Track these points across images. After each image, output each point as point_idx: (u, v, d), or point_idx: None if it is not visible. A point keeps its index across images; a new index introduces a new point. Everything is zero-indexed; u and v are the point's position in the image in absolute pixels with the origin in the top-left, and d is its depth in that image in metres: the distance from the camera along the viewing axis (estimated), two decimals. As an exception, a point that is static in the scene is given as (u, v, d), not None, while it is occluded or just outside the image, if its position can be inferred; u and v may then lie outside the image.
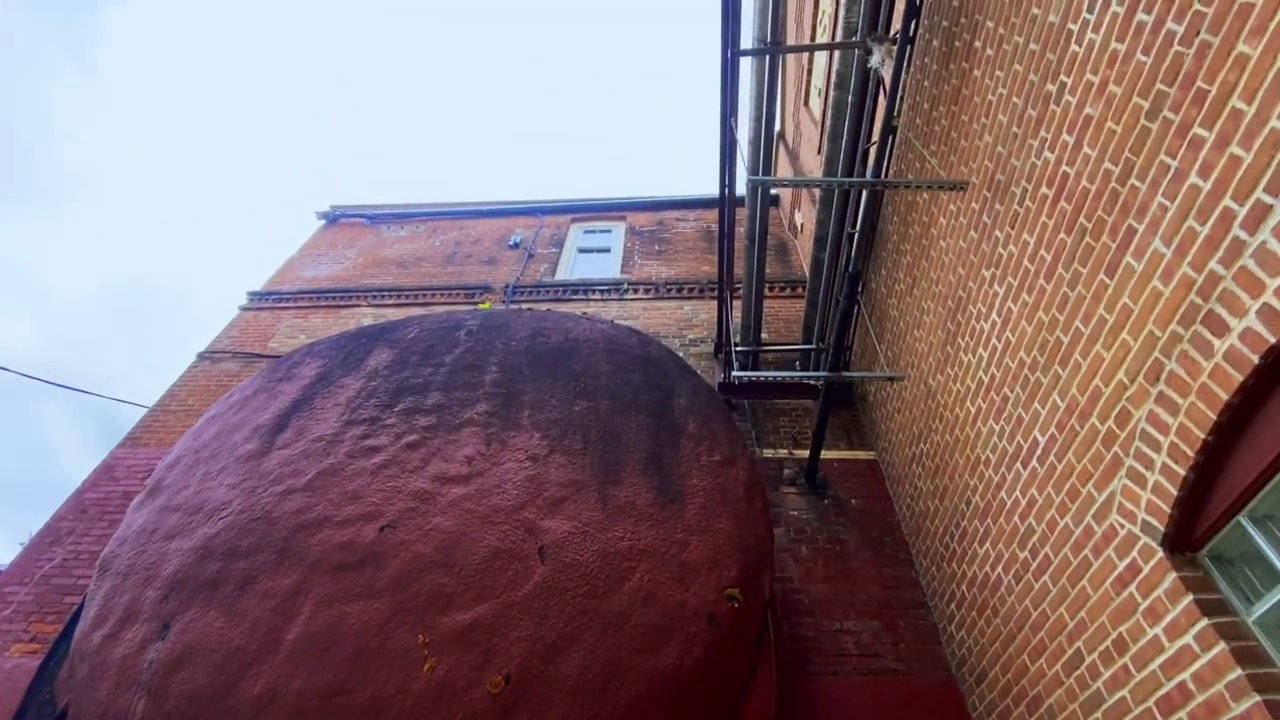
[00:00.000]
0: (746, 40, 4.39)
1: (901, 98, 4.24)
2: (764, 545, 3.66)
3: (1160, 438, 2.12)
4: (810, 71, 7.83)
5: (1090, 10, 2.49)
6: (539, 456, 3.70)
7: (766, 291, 6.71)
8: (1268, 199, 1.74)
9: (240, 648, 2.87)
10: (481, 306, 6.65)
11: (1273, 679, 1.81)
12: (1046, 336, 2.77)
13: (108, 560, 3.53)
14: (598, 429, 3.93)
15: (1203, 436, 1.95)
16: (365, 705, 2.63)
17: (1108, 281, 2.39)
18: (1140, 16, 2.22)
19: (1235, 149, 1.85)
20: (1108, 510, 2.39)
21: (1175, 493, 2.06)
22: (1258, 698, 1.78)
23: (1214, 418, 1.91)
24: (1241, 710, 1.82)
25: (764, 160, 4.67)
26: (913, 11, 3.91)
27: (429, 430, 3.84)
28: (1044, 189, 2.78)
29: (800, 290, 7.08)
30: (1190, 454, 2.00)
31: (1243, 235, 1.82)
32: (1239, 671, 1.84)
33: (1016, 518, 3.03)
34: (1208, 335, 1.94)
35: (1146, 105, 2.20)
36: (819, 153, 6.78)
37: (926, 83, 4.03)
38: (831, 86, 4.63)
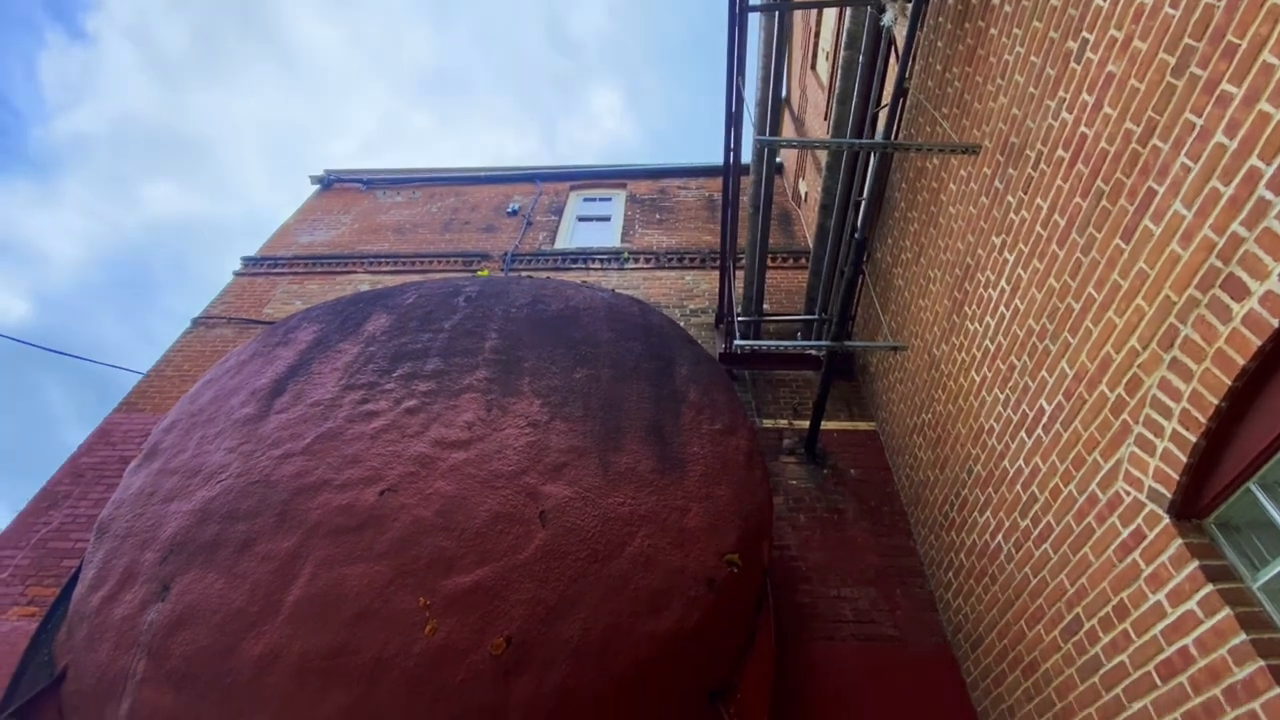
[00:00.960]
0: (754, -3, 4.25)
1: (914, 58, 4.12)
2: (764, 513, 3.66)
3: (1172, 404, 2.09)
4: (818, 34, 7.63)
5: (1117, -38, 2.39)
6: (540, 423, 3.68)
7: (769, 262, 6.63)
8: (1299, 156, 1.69)
9: (241, 609, 2.86)
10: (480, 274, 6.56)
11: (1277, 644, 1.81)
12: (1057, 303, 2.72)
13: (105, 523, 3.51)
14: (598, 396, 3.90)
15: (1216, 402, 1.92)
16: (367, 666, 2.64)
17: (1123, 246, 2.34)
18: (1171, -33, 2.13)
19: (1265, 105, 1.79)
20: (1114, 478, 2.38)
21: (1185, 459, 2.04)
22: (1261, 663, 1.78)
23: (1229, 383, 1.87)
24: (1244, 675, 1.82)
25: (770, 124, 4.55)
26: (928, -33, 3.78)
27: (428, 395, 3.80)
28: (1060, 151, 2.71)
29: (803, 261, 7.00)
30: (1202, 420, 1.97)
31: (1269, 195, 1.77)
32: (1243, 637, 1.84)
33: (1019, 486, 3.02)
34: (1226, 299, 1.89)
35: (1173, 61, 2.12)
36: (826, 118, 6.64)
37: (940, 42, 3.91)
38: (841, 47, 4.50)
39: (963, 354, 3.60)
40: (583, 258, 7.21)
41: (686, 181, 8.81)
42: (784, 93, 9.18)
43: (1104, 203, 2.44)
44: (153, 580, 3.07)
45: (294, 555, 3.01)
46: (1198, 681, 1.98)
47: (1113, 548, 2.38)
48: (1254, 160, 1.82)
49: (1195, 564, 2.02)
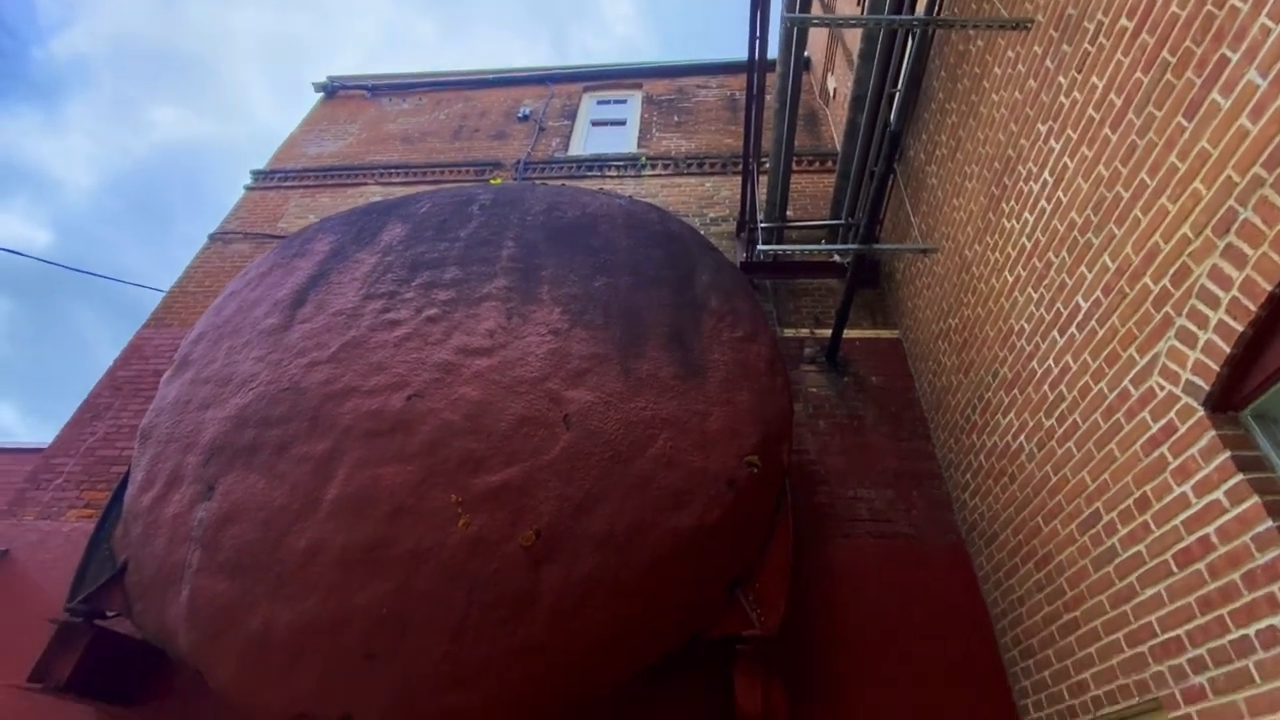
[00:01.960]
0: None
1: (961, -76, 3.71)
2: (784, 418, 3.69)
3: (1220, 293, 2.00)
4: (851, -93, 6.90)
5: None
6: (560, 330, 3.67)
7: (794, 166, 6.34)
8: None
9: (283, 506, 3.01)
10: (493, 183, 6.38)
11: (1303, 529, 1.82)
12: (1104, 193, 2.57)
13: (147, 430, 3.65)
14: (618, 304, 3.86)
15: (1269, 289, 1.83)
16: (405, 556, 2.79)
17: (1185, 124, 2.16)
18: None
19: (1373, -52, 1.58)
20: (1148, 373, 2.32)
21: (1228, 350, 1.97)
22: (1285, 546, 1.79)
23: (1287, 268, 1.77)
24: (1266, 560, 1.84)
25: (799, 5, 4.20)
26: None
27: (449, 304, 3.79)
28: (1124, 20, 2.46)
29: (830, 164, 6.68)
30: (1252, 309, 1.89)
31: (1362, 55, 1.59)
32: (1269, 523, 1.84)
33: (1046, 386, 2.98)
34: (1296, 177, 1.76)
35: (1267, -98, 1.87)
36: (859, 2, 6.12)
37: (992, -96, 3.51)
38: (879, -86, 4.05)
39: (996, 254, 3.47)
40: (598, 165, 6.95)
41: (706, 80, 8.31)
42: (812, -23, 8.42)
43: (1168, 76, 2.24)
44: (198, 481, 3.22)
45: (329, 457, 3.11)
46: (1216, 567, 2.01)
47: (1140, 442, 2.36)
48: (1349, 15, 1.63)
49: (1226, 454, 1.99)
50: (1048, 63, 2.97)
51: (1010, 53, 3.31)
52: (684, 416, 3.35)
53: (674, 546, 2.93)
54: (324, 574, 2.78)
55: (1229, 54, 1.99)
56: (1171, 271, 2.21)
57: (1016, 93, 3.25)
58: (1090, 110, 2.66)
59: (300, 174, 7.27)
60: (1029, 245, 3.14)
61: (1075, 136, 2.76)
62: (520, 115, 7.89)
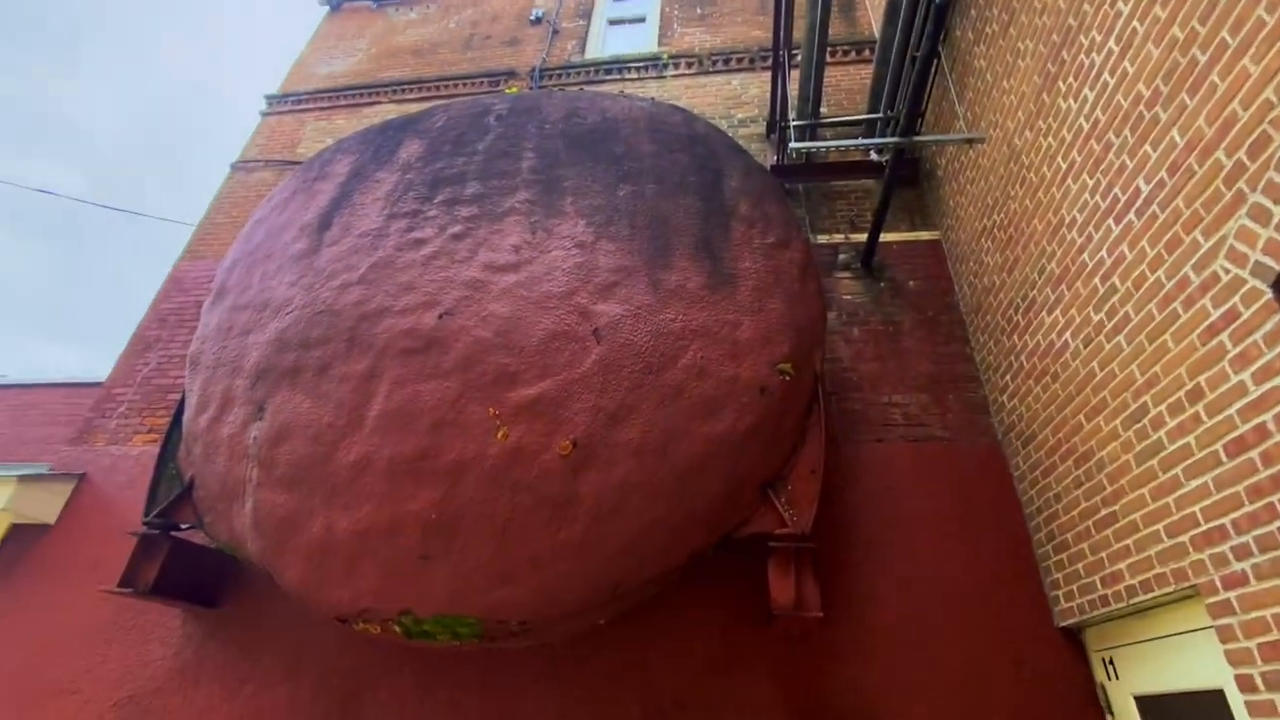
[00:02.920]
0: None
1: None
2: (816, 325, 3.62)
3: (1305, 164, 1.82)
4: None
5: None
6: (586, 243, 3.60)
7: (828, 56, 5.89)
8: None
9: (330, 423, 3.13)
10: (508, 92, 6.12)
11: (1371, 412, 1.73)
12: (1178, 58, 2.32)
13: (195, 356, 3.79)
14: (644, 214, 3.75)
15: (1364, 155, 1.65)
16: (450, 466, 2.90)
17: (1282, -32, 1.90)
18: None
19: None
20: (1212, 257, 2.17)
21: (1307, 226, 1.82)
22: (1349, 430, 1.71)
23: (1388, 128, 1.59)
24: (1325, 443, 1.77)
25: None
26: None
27: (472, 221, 3.74)
28: None
29: (867, 53, 6.20)
30: (1340, 178, 1.72)
31: None
32: (1334, 407, 1.75)
33: (1097, 279, 2.83)
34: None
35: None
36: None
37: None
38: None
39: (1049, 139, 3.22)
40: (617, 67, 6.57)
41: (730, -34, 7.63)
42: None
43: (1266, -89, 1.95)
44: (248, 403, 3.36)
45: (369, 376, 3.20)
46: (1271, 455, 1.95)
47: (1197, 332, 2.25)
48: None
49: (1293, 340, 1.88)
50: (1121, -91, 2.62)
51: (1077, -99, 2.92)
52: (715, 326, 3.31)
53: (707, 452, 2.98)
54: (375, 484, 2.92)
55: (1344, -126, 1.71)
56: (1249, 143, 2.01)
57: (1082, -51, 2.89)
58: (1168, -38, 2.36)
59: (314, 95, 7.08)
60: (1086, 127, 2.89)
61: (1148, -5, 2.47)
62: (533, 18, 7.44)
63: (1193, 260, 2.26)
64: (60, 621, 3.79)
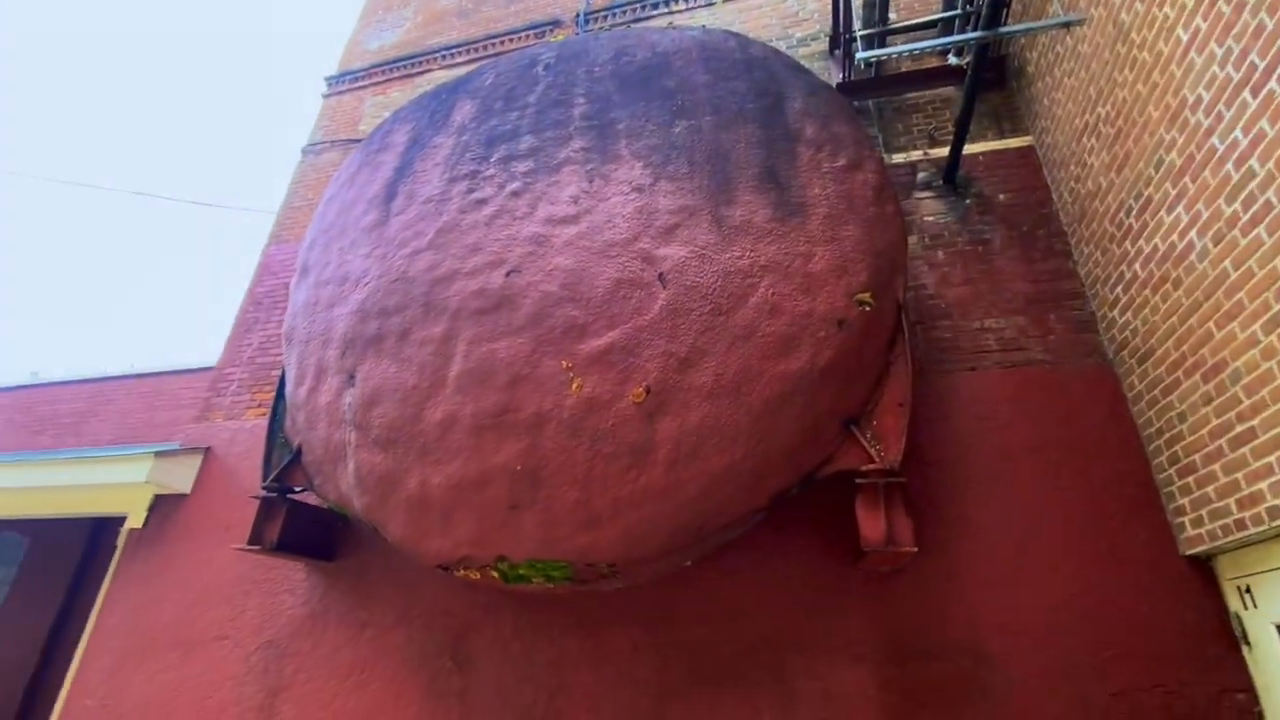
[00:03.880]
0: None
1: None
2: (896, 249, 3.39)
3: None
4: None
5: None
6: (644, 187, 3.50)
7: (891, -45, 5.33)
8: None
9: (415, 386, 3.26)
10: (555, 40, 5.96)
11: None
12: (1340, -122, 1.91)
13: (289, 333, 4.03)
14: (702, 149, 3.59)
15: None
16: (530, 419, 2.97)
17: None
18: None
19: None
20: (1386, 120, 1.82)
21: None
22: None
23: None
24: None
25: None
26: None
27: (529, 175, 3.71)
28: None
29: (936, -55, 5.56)
30: None
31: None
32: None
33: (1230, 165, 2.46)
34: None
35: None
36: None
37: None
38: None
39: (1165, 8, 2.78)
40: (664, 1, 6.25)
41: None
42: None
43: None
44: (340, 372, 3.55)
45: (446, 338, 3.29)
46: None
47: (1364, 212, 1.91)
48: None
49: None
50: None
51: None
52: (785, 260, 3.16)
53: (783, 392, 2.89)
54: (461, 440, 3.04)
55: None
56: None
57: None
58: None
59: (368, 72, 7.19)
60: (1215, -15, 2.47)
61: None
62: (573, -40, 7.14)
63: (1358, 126, 1.91)
64: (206, 577, 4.26)
